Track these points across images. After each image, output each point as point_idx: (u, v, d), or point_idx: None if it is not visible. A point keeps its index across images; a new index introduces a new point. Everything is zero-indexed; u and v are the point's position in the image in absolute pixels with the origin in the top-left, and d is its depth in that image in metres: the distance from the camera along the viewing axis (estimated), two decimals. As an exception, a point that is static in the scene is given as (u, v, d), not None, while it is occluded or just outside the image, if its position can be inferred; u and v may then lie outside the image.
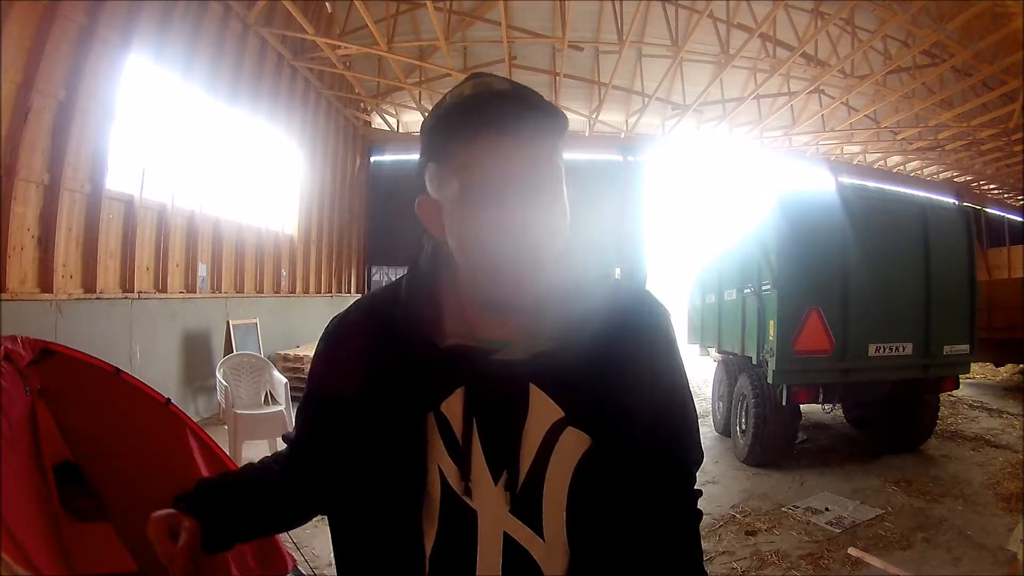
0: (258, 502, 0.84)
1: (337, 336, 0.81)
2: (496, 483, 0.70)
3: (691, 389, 0.81)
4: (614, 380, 0.71)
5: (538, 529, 0.70)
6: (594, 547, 0.70)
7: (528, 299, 0.69)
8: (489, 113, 0.66)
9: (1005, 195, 15.28)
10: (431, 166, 0.71)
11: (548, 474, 0.70)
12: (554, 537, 0.70)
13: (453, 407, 0.70)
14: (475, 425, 0.70)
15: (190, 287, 6.43)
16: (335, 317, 0.83)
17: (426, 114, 0.77)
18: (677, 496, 0.76)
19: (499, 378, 0.70)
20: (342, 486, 0.76)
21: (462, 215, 0.68)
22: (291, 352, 7.71)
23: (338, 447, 0.75)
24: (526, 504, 0.70)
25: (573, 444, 0.70)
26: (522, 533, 0.70)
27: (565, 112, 0.72)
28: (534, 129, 0.67)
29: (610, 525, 0.70)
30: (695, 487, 0.79)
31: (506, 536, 0.69)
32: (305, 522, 0.87)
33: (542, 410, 0.70)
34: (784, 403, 4.71)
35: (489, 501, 0.70)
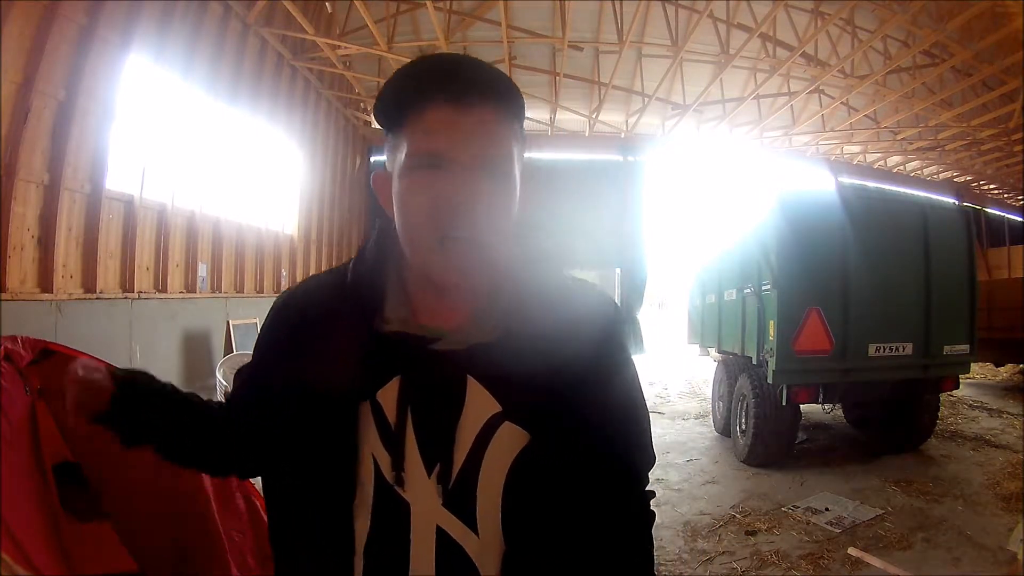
0: (187, 422, 0.82)
1: (282, 314, 0.77)
2: (429, 475, 0.68)
3: (643, 392, 0.79)
4: (557, 377, 0.68)
5: (472, 525, 0.68)
6: (530, 545, 0.68)
7: (457, 275, 0.66)
8: (434, 78, 0.65)
9: (1005, 195, 15.27)
10: (387, 138, 0.69)
11: (483, 469, 0.68)
12: (489, 533, 0.68)
13: (388, 396, 0.69)
14: (409, 415, 0.68)
15: (190, 287, 6.43)
16: (283, 292, 0.81)
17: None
18: (623, 498, 0.75)
19: (436, 368, 0.68)
20: (272, 462, 0.74)
21: (401, 183, 0.66)
22: (291, 352, 7.71)
23: (269, 423, 0.73)
24: (460, 498, 0.68)
25: (510, 439, 0.68)
26: (455, 528, 0.68)
27: (522, 92, 0.70)
28: (479, 96, 0.64)
29: (547, 524, 0.68)
30: (647, 488, 0.78)
31: (439, 530, 0.67)
32: (223, 475, 0.88)
33: (479, 403, 0.68)
34: (784, 403, 4.72)
35: (422, 493, 0.68)
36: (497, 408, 0.68)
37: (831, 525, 3.69)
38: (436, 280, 0.67)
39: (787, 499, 4.17)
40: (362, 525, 0.69)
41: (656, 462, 0.80)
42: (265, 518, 2.40)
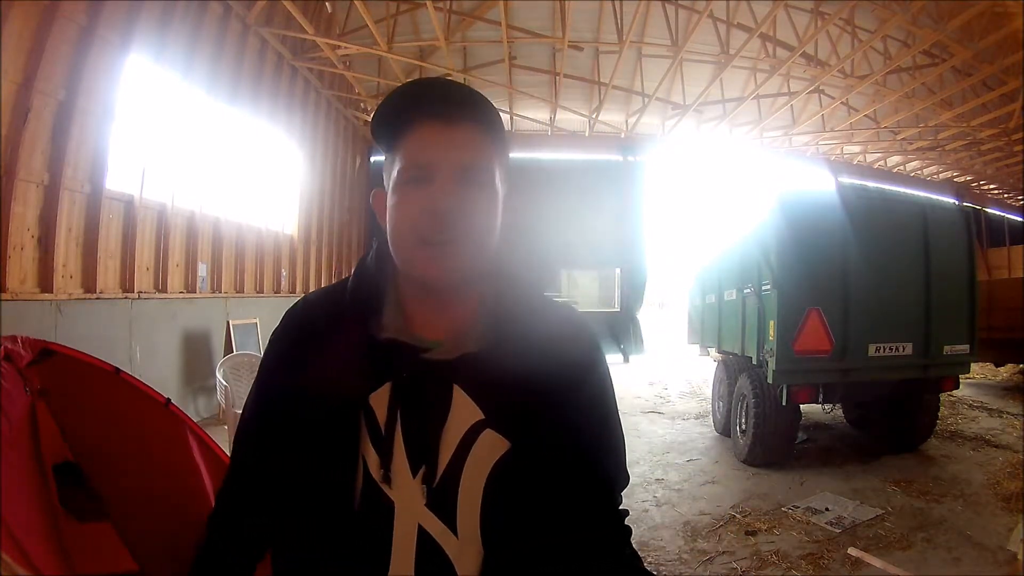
0: None
1: (285, 330, 0.83)
2: (414, 476, 0.71)
3: (619, 414, 0.83)
4: (537, 389, 0.72)
5: (452, 525, 0.71)
6: (507, 548, 0.71)
7: (438, 272, 0.71)
8: (422, 100, 0.73)
9: (1005, 195, 15.28)
10: (386, 157, 0.76)
11: (464, 472, 0.72)
12: (468, 535, 0.71)
13: (380, 400, 0.73)
14: (399, 418, 0.72)
15: (190, 287, 6.43)
16: (285, 312, 0.85)
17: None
18: (598, 508, 0.78)
19: (426, 376, 0.73)
20: (282, 474, 0.77)
21: (392, 197, 0.73)
22: (291, 352, 7.71)
23: (278, 441, 0.76)
24: (442, 500, 0.71)
25: (490, 446, 0.72)
26: (436, 528, 0.71)
27: (496, 109, 0.76)
28: (462, 115, 0.72)
29: (524, 528, 0.72)
30: (620, 507, 0.81)
31: (421, 529, 0.71)
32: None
33: (463, 411, 0.73)
34: (784, 403, 4.71)
35: (406, 492, 0.71)
36: (480, 416, 0.73)
37: (831, 525, 3.69)
38: (419, 278, 0.73)
39: (787, 499, 4.17)
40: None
41: (629, 483, 0.83)
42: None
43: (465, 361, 0.73)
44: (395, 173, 0.72)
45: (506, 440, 0.72)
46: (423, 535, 0.71)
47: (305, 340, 0.78)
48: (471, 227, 0.71)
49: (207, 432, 2.43)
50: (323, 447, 0.72)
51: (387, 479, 0.71)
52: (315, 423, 0.73)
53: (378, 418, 0.72)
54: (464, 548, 0.71)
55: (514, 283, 0.79)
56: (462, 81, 6.71)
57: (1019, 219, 14.85)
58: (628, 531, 0.80)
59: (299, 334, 0.80)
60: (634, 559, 0.80)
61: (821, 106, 10.52)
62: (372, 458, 0.72)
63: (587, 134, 11.50)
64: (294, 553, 0.75)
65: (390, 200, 0.73)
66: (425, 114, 0.71)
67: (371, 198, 0.79)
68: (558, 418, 0.73)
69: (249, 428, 0.84)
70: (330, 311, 0.78)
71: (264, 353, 0.85)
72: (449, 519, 0.71)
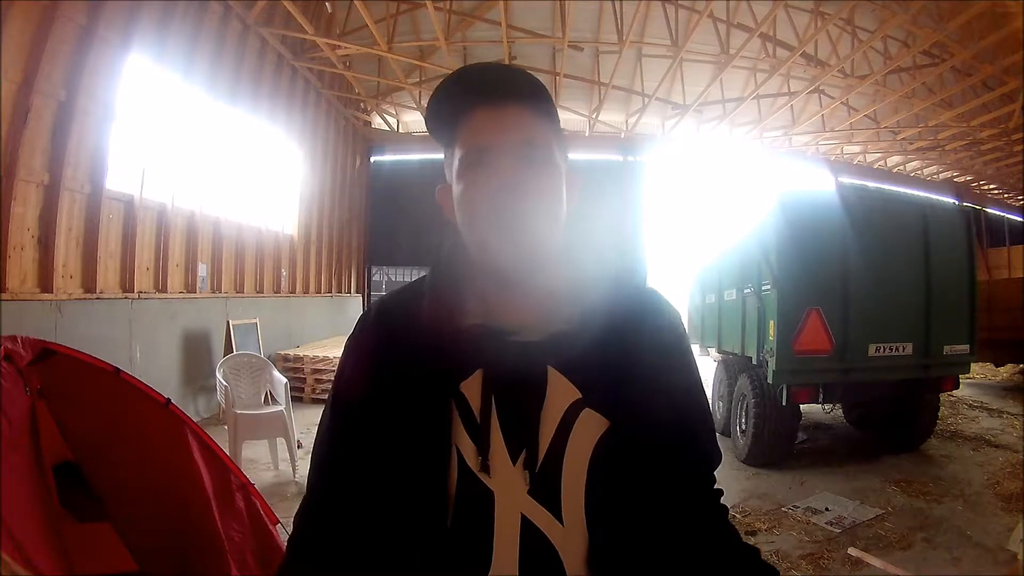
0: None
1: (363, 333, 0.80)
2: (515, 463, 0.69)
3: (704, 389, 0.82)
4: (629, 365, 0.72)
5: (557, 512, 0.69)
6: (613, 532, 0.69)
7: (514, 251, 0.69)
8: (473, 88, 0.72)
9: (1005, 195, 15.27)
10: (444, 152, 0.76)
11: (566, 456, 0.69)
12: (573, 521, 0.69)
13: (472, 387, 0.71)
14: (494, 404, 0.70)
15: (190, 287, 6.43)
16: (363, 314, 0.83)
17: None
18: (700, 486, 0.77)
19: (517, 359, 0.70)
20: (374, 479, 0.74)
21: (459, 185, 0.72)
22: (291, 352, 7.71)
23: (366, 446, 0.73)
24: (545, 486, 0.69)
25: (590, 425, 0.70)
26: (540, 515, 0.69)
27: (557, 104, 0.76)
28: (514, 96, 0.72)
29: (629, 510, 0.69)
30: (715, 486, 0.80)
31: (524, 519, 0.68)
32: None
33: (559, 391, 0.71)
34: (784, 403, 4.71)
35: (507, 481, 0.69)
36: (577, 395, 0.71)
37: (831, 525, 3.69)
38: (496, 261, 0.71)
39: (787, 499, 4.17)
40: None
41: (722, 460, 0.82)
42: (265, 518, 2.40)
43: (556, 341, 0.71)
44: (456, 163, 0.72)
45: (605, 418, 0.70)
46: (526, 524, 0.68)
47: (386, 338, 0.76)
48: (537, 204, 0.70)
49: (207, 432, 2.43)
50: (416, 441, 0.70)
51: (485, 468, 0.69)
52: (406, 418, 0.71)
53: (471, 405, 0.70)
54: (569, 535, 0.69)
55: (590, 261, 0.78)
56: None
57: (1019, 219, 14.85)
58: (725, 510, 0.79)
59: (380, 332, 0.78)
60: (737, 539, 0.77)
61: (821, 106, 10.51)
62: (468, 447, 0.70)
63: (587, 134, 11.49)
64: (392, 554, 0.71)
65: (455, 190, 0.73)
66: (475, 101, 0.71)
67: (436, 194, 0.79)
68: (654, 393, 0.72)
69: (333, 441, 0.78)
70: (410, 307, 0.76)
71: (342, 361, 0.81)
72: (553, 505, 0.69)
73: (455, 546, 0.68)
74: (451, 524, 0.69)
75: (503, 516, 0.69)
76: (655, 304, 0.80)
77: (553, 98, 0.76)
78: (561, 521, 0.69)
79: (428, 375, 0.71)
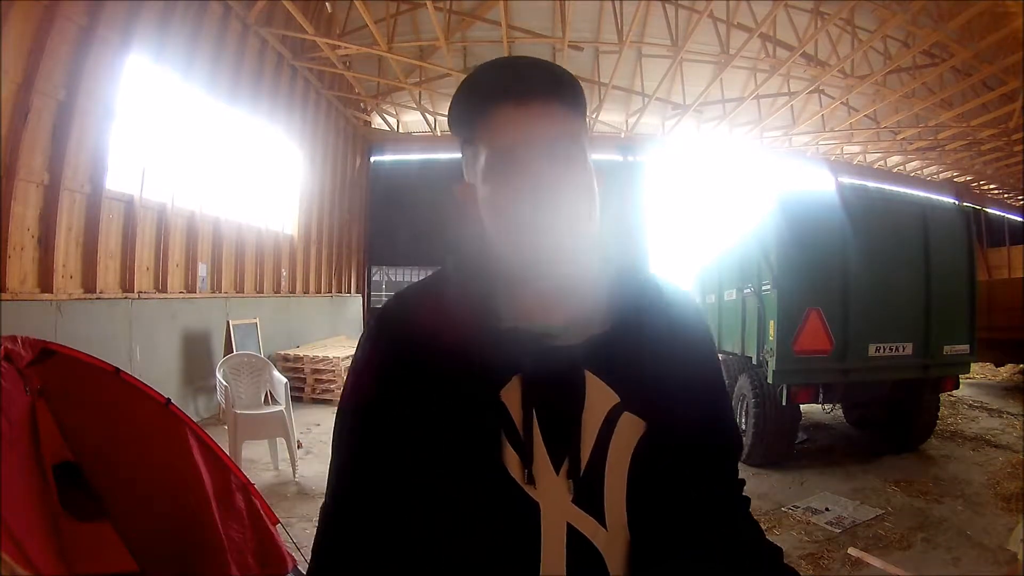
0: None
1: (381, 336, 0.74)
2: (557, 472, 0.68)
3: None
4: (663, 365, 0.71)
5: (600, 518, 0.68)
6: (655, 534, 0.69)
7: (559, 265, 0.67)
8: (496, 83, 0.69)
9: (1005, 195, 15.27)
10: (464, 149, 0.73)
11: (608, 461, 0.68)
12: (616, 526, 0.68)
13: (511, 395, 0.68)
14: (534, 412, 0.68)
15: (190, 287, 6.43)
16: (378, 311, 0.76)
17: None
18: (729, 482, 0.78)
19: (555, 364, 0.68)
20: (411, 497, 0.69)
21: (486, 186, 0.69)
22: (291, 352, 7.71)
23: (400, 464, 0.69)
24: (588, 493, 0.68)
25: (630, 430, 0.69)
26: (586, 524, 0.68)
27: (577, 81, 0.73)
28: (540, 92, 0.68)
29: (669, 511, 0.70)
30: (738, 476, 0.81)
31: (570, 528, 0.67)
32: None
33: (598, 396, 0.69)
34: (784, 403, 4.71)
35: (552, 491, 0.67)
36: (616, 399, 0.70)
37: (831, 525, 3.69)
38: (528, 263, 0.68)
39: (787, 499, 4.17)
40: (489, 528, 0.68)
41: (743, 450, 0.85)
42: (265, 519, 2.40)
43: (593, 344, 0.69)
44: (481, 163, 0.69)
45: (642, 421, 0.69)
46: (572, 533, 0.67)
47: (411, 340, 0.70)
48: (574, 204, 0.67)
49: (207, 432, 2.43)
50: (461, 454, 0.66)
51: (531, 479, 0.66)
52: (447, 429, 0.67)
53: (512, 414, 0.67)
54: (612, 540, 0.68)
55: (623, 263, 0.77)
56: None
57: (1019, 219, 14.83)
58: (747, 501, 0.80)
59: (403, 333, 0.72)
60: (761, 536, 0.77)
61: (821, 106, 10.51)
62: (511, 459, 0.67)
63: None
64: (439, 569, 0.68)
65: (481, 192, 0.70)
66: (499, 97, 0.68)
67: (456, 191, 0.75)
68: (687, 393, 0.72)
69: (363, 447, 0.72)
70: (432, 307, 0.72)
71: (361, 363, 0.74)
72: (597, 511, 0.68)
73: (504, 560, 0.67)
74: (499, 539, 0.66)
75: (549, 527, 0.67)
76: (683, 302, 0.79)
77: (581, 91, 0.73)
78: (604, 526, 0.68)
79: (466, 382, 0.67)
